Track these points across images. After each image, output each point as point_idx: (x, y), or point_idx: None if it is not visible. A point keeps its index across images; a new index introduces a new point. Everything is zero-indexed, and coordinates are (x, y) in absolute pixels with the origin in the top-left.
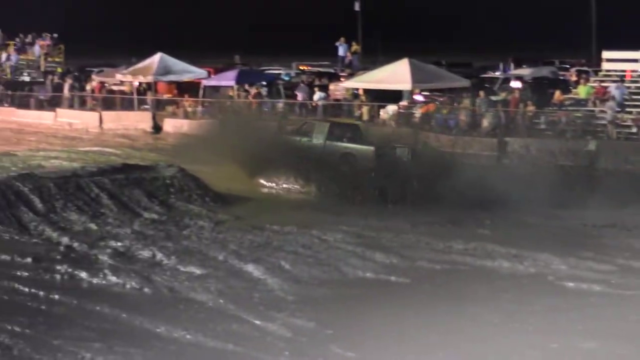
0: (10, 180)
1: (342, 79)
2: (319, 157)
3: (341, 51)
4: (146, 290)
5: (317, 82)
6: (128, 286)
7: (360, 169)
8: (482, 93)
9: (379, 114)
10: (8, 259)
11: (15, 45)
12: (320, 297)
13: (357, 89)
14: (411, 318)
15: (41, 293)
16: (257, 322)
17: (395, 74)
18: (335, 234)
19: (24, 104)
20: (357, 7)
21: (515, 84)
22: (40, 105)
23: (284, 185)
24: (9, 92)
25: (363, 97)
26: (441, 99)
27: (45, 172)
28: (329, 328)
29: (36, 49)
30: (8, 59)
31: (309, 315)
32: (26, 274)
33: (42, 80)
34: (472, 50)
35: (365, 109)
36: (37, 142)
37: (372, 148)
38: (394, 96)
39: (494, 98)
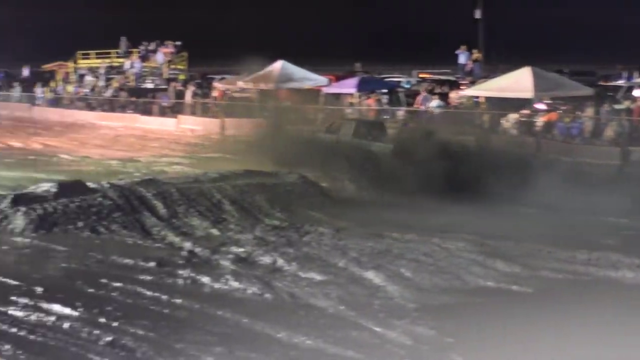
0: (133, 186)
1: (462, 87)
2: (346, 153)
3: (462, 59)
4: (267, 295)
5: (437, 90)
6: (249, 291)
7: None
8: (605, 102)
9: (500, 122)
10: (132, 263)
11: (139, 52)
12: (441, 305)
13: (477, 97)
14: (533, 328)
15: (164, 297)
16: (377, 329)
17: (517, 82)
18: (456, 242)
19: (147, 111)
20: (478, 14)
21: (639, 93)
22: (163, 112)
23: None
24: (133, 99)
25: (484, 105)
26: (563, 108)
27: (168, 178)
28: (450, 336)
29: (159, 56)
30: (132, 66)
31: (429, 323)
32: (149, 278)
33: (165, 87)
34: (595, 58)
35: (486, 117)
36: (159, 148)
37: (390, 146)
38: (515, 104)
39: (617, 107)
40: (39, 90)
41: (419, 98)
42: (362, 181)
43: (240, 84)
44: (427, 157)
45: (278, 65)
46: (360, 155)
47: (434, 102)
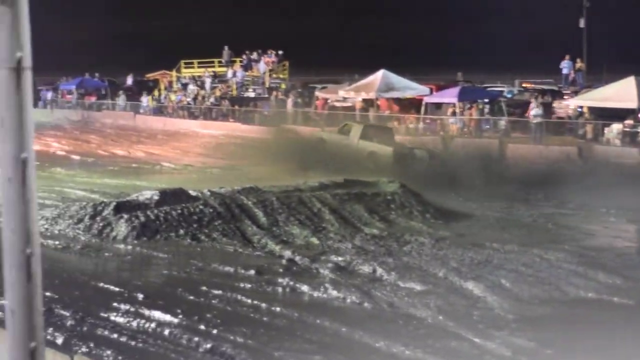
0: (234, 194)
1: (565, 97)
2: (352, 154)
3: (565, 69)
4: (366, 305)
5: (540, 100)
6: (348, 300)
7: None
8: None
9: (603, 133)
10: (232, 271)
11: (241, 62)
12: (540, 317)
13: (581, 107)
14: (634, 341)
15: (263, 305)
16: (477, 340)
17: (621, 92)
18: (556, 253)
19: (248, 119)
20: (582, 23)
21: None
22: (264, 121)
23: None
24: (235, 108)
25: (587, 115)
26: None
27: (269, 186)
28: (549, 348)
29: (261, 65)
30: (234, 75)
31: (528, 335)
32: (249, 285)
33: (266, 96)
34: None
35: (589, 127)
36: (260, 157)
37: (391, 148)
38: (619, 114)
39: None
40: (144, 99)
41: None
42: (463, 192)
43: (342, 93)
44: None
45: (379, 74)
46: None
47: (533, 111)
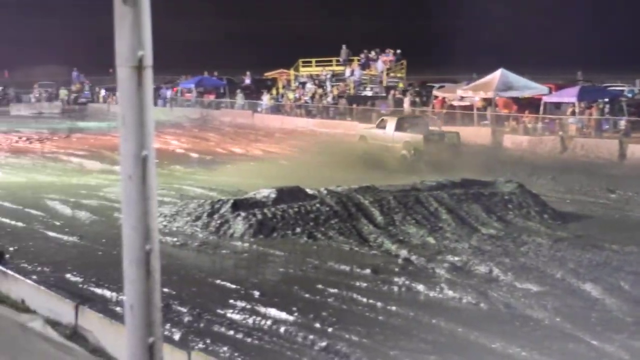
0: (351, 193)
1: None
2: (389, 144)
3: None
4: (482, 305)
5: None
6: (464, 301)
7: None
8: None
9: None
10: (347, 270)
11: (359, 60)
12: None
13: None
14: None
15: (379, 304)
16: (594, 342)
17: None
18: None
19: (365, 118)
20: None
21: None
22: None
23: None
24: (352, 107)
25: None
26: None
27: (386, 185)
28: None
29: (379, 64)
30: (352, 74)
31: None
32: (365, 284)
33: (384, 95)
34: None
35: None
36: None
37: (421, 136)
38: None
39: None
40: (264, 98)
41: None
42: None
43: (460, 92)
44: None
45: (497, 73)
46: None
47: None
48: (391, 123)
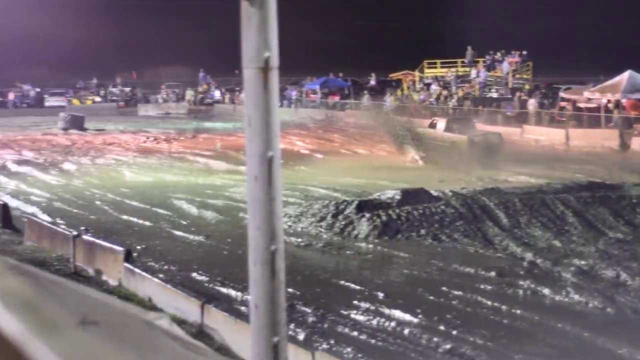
0: (476, 195)
1: None
2: (439, 143)
3: None
4: (609, 310)
5: None
6: (590, 305)
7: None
8: None
9: None
10: (472, 272)
11: (484, 62)
12: None
13: None
14: None
15: (503, 307)
16: None
17: None
18: None
19: (490, 120)
20: None
21: None
22: (507, 122)
23: None
24: (478, 108)
25: None
26: None
27: (511, 188)
28: None
29: (505, 65)
30: (477, 75)
31: None
32: (489, 287)
33: (509, 96)
34: None
35: None
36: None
37: (465, 137)
38: None
39: None
40: (388, 99)
41: None
42: None
43: (587, 94)
44: None
45: (625, 75)
46: None
47: None
48: (441, 124)
